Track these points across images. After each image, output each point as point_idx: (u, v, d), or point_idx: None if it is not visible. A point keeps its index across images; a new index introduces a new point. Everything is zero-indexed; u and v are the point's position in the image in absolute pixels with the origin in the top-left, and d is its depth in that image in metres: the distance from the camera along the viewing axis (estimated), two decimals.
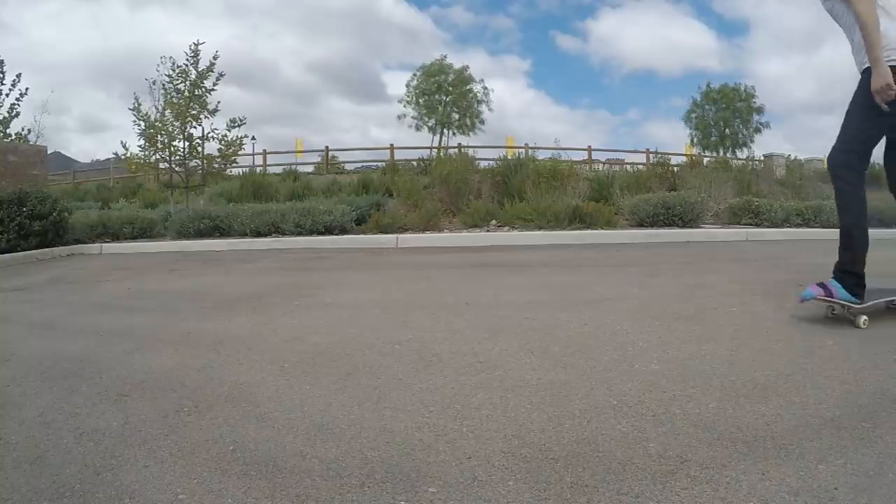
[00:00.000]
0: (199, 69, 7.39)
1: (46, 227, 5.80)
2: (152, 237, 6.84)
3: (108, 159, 19.30)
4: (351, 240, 5.63)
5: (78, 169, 22.73)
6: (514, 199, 6.65)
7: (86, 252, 6.06)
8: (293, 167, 17.46)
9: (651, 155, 17.03)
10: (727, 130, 24.54)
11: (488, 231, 5.98)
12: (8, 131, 9.02)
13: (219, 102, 7.63)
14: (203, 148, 7.66)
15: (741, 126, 24.44)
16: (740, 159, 14.73)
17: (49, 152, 8.67)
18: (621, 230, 5.87)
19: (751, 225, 6.32)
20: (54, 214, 5.90)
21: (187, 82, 7.33)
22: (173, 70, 7.32)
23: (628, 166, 16.44)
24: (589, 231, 5.65)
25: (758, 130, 24.51)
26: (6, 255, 5.25)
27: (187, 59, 7.34)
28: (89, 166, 23.89)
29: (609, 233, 5.64)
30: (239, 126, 7.64)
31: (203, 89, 7.42)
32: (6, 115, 9.03)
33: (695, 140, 24.88)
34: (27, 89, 9.26)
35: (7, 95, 9.09)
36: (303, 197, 8.84)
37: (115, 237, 6.72)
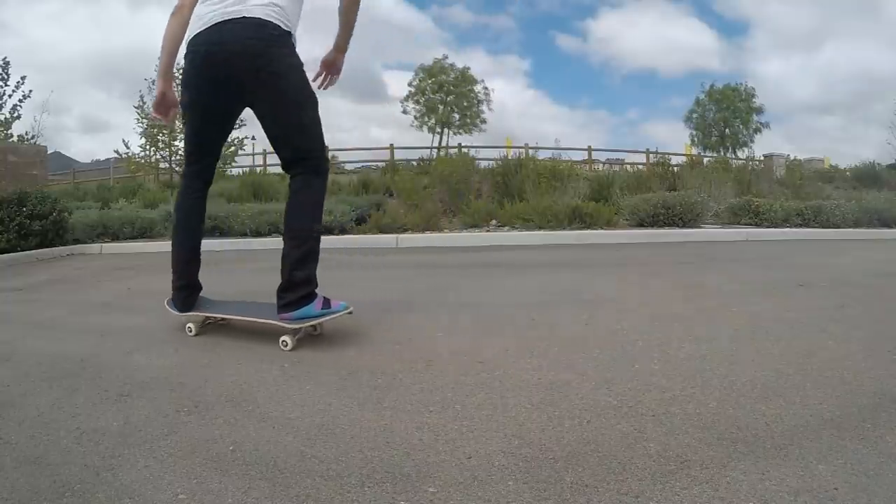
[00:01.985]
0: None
1: (46, 228, 5.80)
2: (152, 237, 6.84)
3: (108, 159, 19.33)
4: (351, 240, 5.63)
5: (78, 169, 22.73)
6: (514, 199, 6.65)
7: (86, 252, 6.05)
8: None
9: (651, 155, 17.04)
10: (727, 130, 24.58)
11: (488, 231, 5.98)
12: (10, 132, 9.05)
13: None
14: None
15: (741, 126, 24.47)
16: (740, 159, 14.75)
17: (49, 152, 8.70)
18: (621, 230, 5.87)
19: (751, 225, 6.32)
20: (54, 214, 5.90)
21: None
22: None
23: (628, 166, 16.45)
24: (589, 231, 5.65)
25: (757, 130, 24.57)
26: (6, 256, 5.25)
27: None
28: (89, 166, 23.89)
29: (609, 233, 5.64)
30: (238, 126, 7.65)
31: None
32: (8, 115, 9.05)
33: (695, 140, 24.92)
34: (31, 91, 9.28)
35: (10, 97, 9.12)
36: None
37: (115, 237, 6.71)
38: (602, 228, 5.85)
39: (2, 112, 8.95)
